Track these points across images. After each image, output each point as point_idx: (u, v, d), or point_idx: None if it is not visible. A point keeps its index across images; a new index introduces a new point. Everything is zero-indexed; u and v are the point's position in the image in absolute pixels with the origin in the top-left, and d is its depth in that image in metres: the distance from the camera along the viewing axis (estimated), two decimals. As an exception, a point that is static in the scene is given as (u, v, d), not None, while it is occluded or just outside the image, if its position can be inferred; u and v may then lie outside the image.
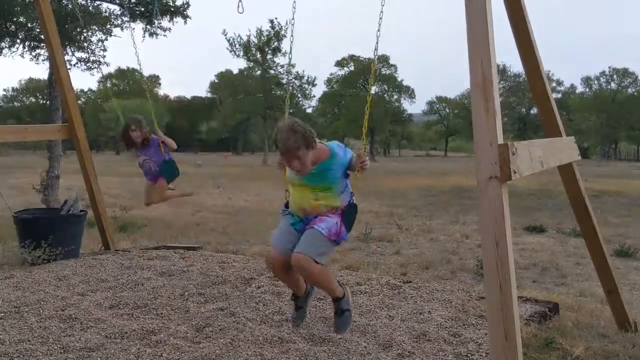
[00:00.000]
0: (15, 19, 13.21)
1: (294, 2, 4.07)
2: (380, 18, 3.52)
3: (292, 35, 4.28)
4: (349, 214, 3.62)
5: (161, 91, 78.46)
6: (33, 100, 70.15)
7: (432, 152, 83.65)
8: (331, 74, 62.76)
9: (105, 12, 14.28)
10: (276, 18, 45.79)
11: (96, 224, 7.12)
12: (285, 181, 3.75)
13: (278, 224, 3.77)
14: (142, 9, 13.44)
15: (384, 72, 61.72)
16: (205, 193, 19.23)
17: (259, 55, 47.32)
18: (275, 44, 46.77)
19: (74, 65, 14.54)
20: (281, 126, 3.43)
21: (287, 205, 3.80)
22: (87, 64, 14.83)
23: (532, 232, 11.92)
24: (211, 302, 4.65)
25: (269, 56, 47.46)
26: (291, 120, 3.47)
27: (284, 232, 3.66)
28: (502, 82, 63.43)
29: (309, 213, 3.62)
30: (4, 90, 72.43)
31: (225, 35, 46.48)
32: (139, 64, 6.30)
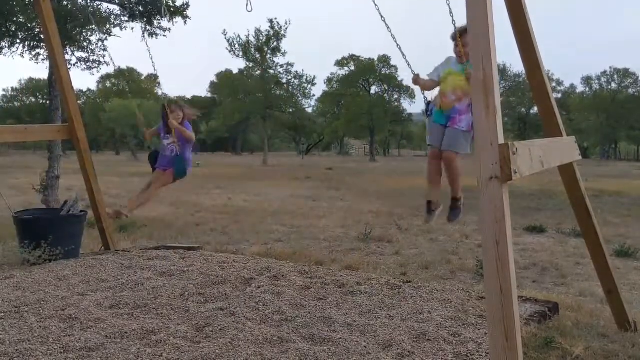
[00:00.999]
0: (15, 19, 13.21)
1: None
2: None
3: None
4: None
5: (161, 91, 78.50)
6: (33, 100, 70.14)
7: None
8: (332, 74, 62.71)
9: (105, 12, 14.28)
10: (275, 18, 45.76)
11: (96, 224, 7.12)
12: (427, 87, 4.40)
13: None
14: (142, 9, 13.44)
15: (384, 72, 61.68)
16: (205, 194, 19.22)
17: (258, 55, 47.29)
18: (275, 44, 46.73)
19: (74, 65, 14.55)
20: None
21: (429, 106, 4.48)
22: (87, 64, 14.83)
23: (533, 232, 11.91)
24: (211, 302, 4.65)
25: (268, 56, 47.43)
26: None
27: (436, 132, 4.40)
28: (502, 82, 63.40)
29: (453, 100, 4.26)
30: (4, 90, 72.43)
31: (225, 35, 46.49)
32: (152, 64, 6.10)
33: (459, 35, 4.12)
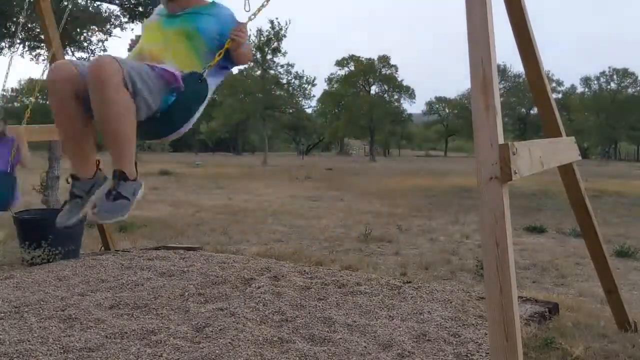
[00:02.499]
0: (15, 19, 13.22)
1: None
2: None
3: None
4: (193, 89, 2.51)
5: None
6: (33, 100, 70.13)
7: (432, 152, 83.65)
8: (331, 74, 62.81)
9: (105, 12, 14.29)
10: (276, 18, 45.83)
11: (96, 225, 7.12)
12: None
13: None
14: (141, 10, 13.44)
15: (384, 72, 61.73)
16: (205, 194, 19.22)
17: (258, 55, 47.35)
18: (275, 44, 46.80)
19: (74, 65, 14.54)
20: None
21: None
22: (87, 64, 14.82)
23: (532, 233, 11.91)
24: (211, 302, 4.65)
25: (268, 56, 47.48)
26: None
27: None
28: (502, 82, 63.46)
29: (145, 60, 2.52)
30: (4, 90, 72.34)
31: (226, 35, 46.50)
32: None
33: None
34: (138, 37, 2.77)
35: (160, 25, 2.66)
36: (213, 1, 2.80)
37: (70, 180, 2.54)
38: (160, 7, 2.80)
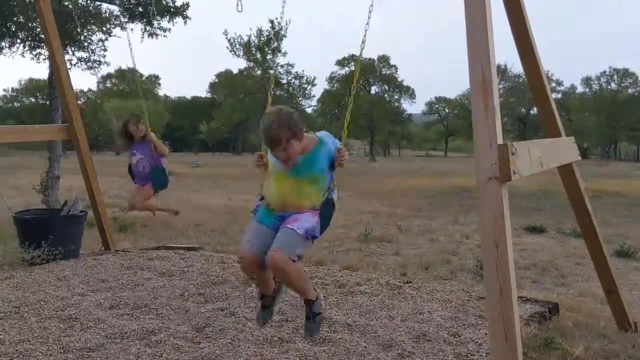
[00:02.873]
0: (15, 19, 13.21)
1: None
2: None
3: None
4: (325, 212, 3.29)
5: (161, 91, 78.53)
6: (33, 100, 70.09)
7: (432, 152, 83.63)
8: (332, 73, 62.80)
9: (105, 12, 14.29)
10: (276, 18, 45.84)
11: (96, 225, 7.12)
12: (261, 177, 3.46)
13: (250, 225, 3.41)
14: (141, 10, 13.44)
15: (385, 72, 61.75)
16: (205, 194, 19.22)
17: (259, 55, 47.38)
18: (275, 44, 46.83)
19: (74, 65, 14.55)
20: (267, 114, 3.22)
21: (257, 208, 3.46)
22: (88, 64, 14.83)
23: (532, 233, 11.92)
24: (211, 302, 4.65)
25: (268, 56, 47.51)
26: (278, 108, 3.25)
27: (256, 232, 3.31)
28: (502, 82, 63.44)
29: (287, 209, 3.26)
30: (4, 90, 72.39)
31: (226, 35, 46.59)
32: (134, 65, 6.22)
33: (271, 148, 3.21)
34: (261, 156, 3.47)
35: (286, 174, 3.28)
36: (319, 139, 3.36)
37: (260, 297, 3.56)
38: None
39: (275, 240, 3.17)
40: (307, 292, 3.36)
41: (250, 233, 3.34)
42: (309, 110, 60.03)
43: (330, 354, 3.58)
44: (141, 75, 70.72)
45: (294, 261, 3.16)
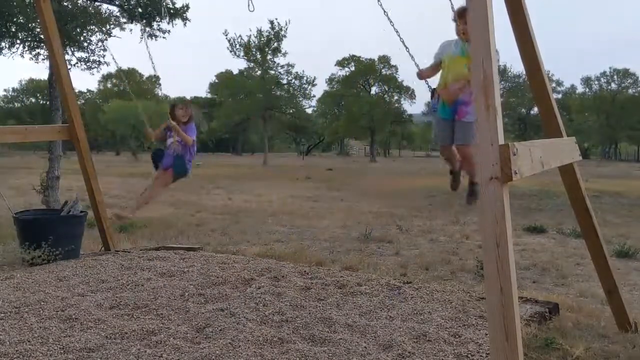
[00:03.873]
0: (15, 20, 13.21)
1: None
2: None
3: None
4: None
5: (161, 91, 78.57)
6: (33, 100, 70.10)
7: (433, 152, 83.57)
8: (332, 74, 62.71)
9: (105, 12, 14.28)
10: (276, 18, 45.87)
11: (96, 225, 7.12)
12: (425, 75, 4.30)
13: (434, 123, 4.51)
14: (141, 10, 13.44)
15: (385, 72, 61.69)
16: (205, 194, 19.22)
17: (259, 56, 47.35)
18: (275, 44, 46.80)
19: (74, 65, 14.55)
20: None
21: (435, 106, 4.38)
22: (87, 64, 14.83)
23: (533, 233, 11.90)
24: (211, 303, 4.65)
25: (269, 57, 47.48)
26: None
27: (443, 129, 4.34)
28: (502, 82, 63.39)
29: (456, 89, 4.12)
30: (4, 90, 72.41)
31: (226, 35, 46.59)
32: (152, 65, 6.27)
33: (459, 15, 4.05)
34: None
35: (460, 55, 4.16)
36: None
37: (450, 172, 4.80)
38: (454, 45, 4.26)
39: (457, 135, 4.23)
40: (475, 175, 4.30)
41: (438, 128, 4.42)
42: (309, 110, 60.05)
43: (330, 354, 3.58)
44: (141, 75, 70.85)
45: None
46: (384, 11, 4.15)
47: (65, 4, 13.07)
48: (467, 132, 4.15)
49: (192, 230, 11.07)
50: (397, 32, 4.21)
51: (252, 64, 48.86)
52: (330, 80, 62.49)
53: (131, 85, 67.09)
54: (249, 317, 4.22)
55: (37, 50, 13.84)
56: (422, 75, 4.34)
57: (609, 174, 31.93)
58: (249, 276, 5.45)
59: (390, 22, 4.18)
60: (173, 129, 5.77)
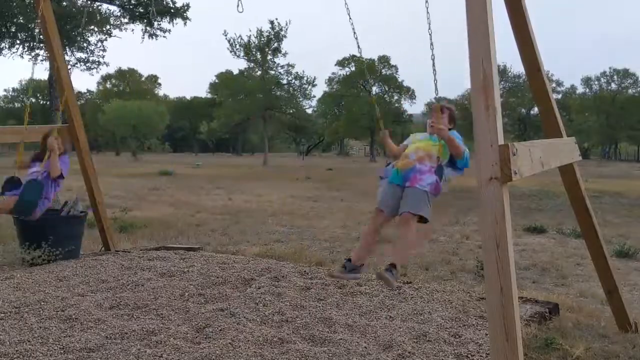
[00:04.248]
0: (15, 20, 13.22)
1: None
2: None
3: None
4: (439, 174, 3.98)
5: (161, 91, 78.54)
6: (33, 100, 70.16)
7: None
8: (333, 74, 62.66)
9: (105, 13, 14.29)
10: (276, 19, 45.87)
11: (96, 225, 7.12)
12: (393, 151, 4.34)
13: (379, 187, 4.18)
14: (142, 10, 13.45)
15: (385, 72, 61.67)
16: (205, 194, 19.22)
17: (259, 56, 47.37)
18: (275, 44, 46.81)
19: (74, 65, 14.56)
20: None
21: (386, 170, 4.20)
22: (87, 64, 14.84)
23: (533, 233, 11.90)
24: (211, 303, 4.65)
25: (269, 57, 47.48)
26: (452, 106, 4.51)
27: (389, 193, 4.02)
28: (502, 82, 63.38)
29: (414, 159, 4.01)
30: (4, 90, 72.43)
31: (226, 36, 46.62)
32: None
33: (431, 110, 4.22)
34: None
35: (427, 138, 4.19)
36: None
37: (345, 261, 4.04)
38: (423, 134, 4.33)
39: (404, 200, 3.88)
40: (403, 258, 4.04)
41: (384, 192, 4.06)
42: (309, 110, 60.05)
43: (330, 354, 3.58)
44: (140, 75, 70.83)
45: (420, 218, 3.84)
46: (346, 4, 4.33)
47: (64, 4, 13.07)
48: (417, 200, 3.84)
49: (192, 231, 11.06)
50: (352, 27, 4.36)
51: (252, 64, 48.85)
52: (329, 81, 62.50)
53: (130, 85, 67.12)
54: (249, 317, 4.22)
55: (37, 51, 13.86)
56: (386, 143, 4.38)
57: (609, 174, 31.93)
58: (249, 276, 5.45)
59: (350, 18, 4.33)
60: (50, 151, 5.04)
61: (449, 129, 4.11)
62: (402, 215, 3.84)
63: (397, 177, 4.01)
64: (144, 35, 13.82)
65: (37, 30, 12.48)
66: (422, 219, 3.92)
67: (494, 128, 2.40)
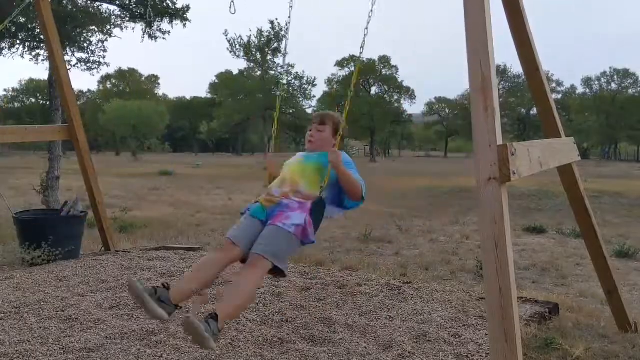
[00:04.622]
0: (15, 20, 13.22)
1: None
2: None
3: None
4: (316, 211, 3.32)
5: (160, 91, 78.54)
6: (33, 100, 70.15)
7: (432, 152, 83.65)
8: (332, 74, 62.73)
9: (105, 13, 14.28)
10: (277, 19, 45.91)
11: (96, 225, 7.12)
12: (269, 175, 3.86)
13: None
14: (142, 11, 13.44)
15: (385, 72, 61.74)
16: (205, 194, 19.22)
17: (259, 56, 47.42)
18: (275, 44, 46.87)
19: (74, 65, 14.55)
20: (332, 112, 3.88)
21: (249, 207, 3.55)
22: (87, 64, 14.83)
23: (532, 233, 11.91)
24: (211, 303, 4.65)
25: (269, 57, 47.53)
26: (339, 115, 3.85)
27: (246, 226, 3.31)
28: (501, 82, 63.42)
29: (284, 186, 3.41)
30: (5, 90, 72.49)
31: (227, 36, 46.69)
32: None
33: (314, 121, 3.72)
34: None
35: (301, 161, 3.61)
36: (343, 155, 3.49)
37: (162, 286, 3.06)
38: (301, 153, 3.75)
39: (261, 239, 3.15)
40: (230, 314, 3.06)
41: (240, 224, 3.38)
42: (309, 110, 60.12)
43: (330, 355, 3.58)
44: (141, 75, 70.83)
45: (275, 267, 3.10)
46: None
47: (64, 2, 13.06)
48: (277, 241, 3.11)
49: (192, 231, 11.07)
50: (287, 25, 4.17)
51: (252, 64, 48.89)
52: (329, 81, 62.57)
53: (130, 85, 67.08)
54: (249, 317, 4.23)
55: (37, 51, 13.85)
56: (269, 164, 3.91)
57: (609, 174, 31.93)
58: (248, 276, 5.44)
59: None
60: None
61: (333, 145, 3.59)
62: (253, 256, 3.08)
63: (260, 211, 3.38)
64: (143, 35, 13.82)
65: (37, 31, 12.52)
66: (278, 271, 3.15)
67: (492, 128, 2.40)
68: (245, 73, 51.46)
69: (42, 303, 4.59)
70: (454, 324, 4.21)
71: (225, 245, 3.23)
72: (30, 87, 70.08)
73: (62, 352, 3.60)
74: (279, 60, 48.32)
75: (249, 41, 46.63)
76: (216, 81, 65.28)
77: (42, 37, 11.37)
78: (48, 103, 14.68)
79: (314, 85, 51.95)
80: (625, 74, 66.81)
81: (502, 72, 63.10)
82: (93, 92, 71.45)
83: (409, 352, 3.63)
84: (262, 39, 46.48)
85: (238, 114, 51.78)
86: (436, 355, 3.62)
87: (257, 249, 3.10)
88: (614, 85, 67.72)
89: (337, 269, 6.34)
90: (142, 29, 13.83)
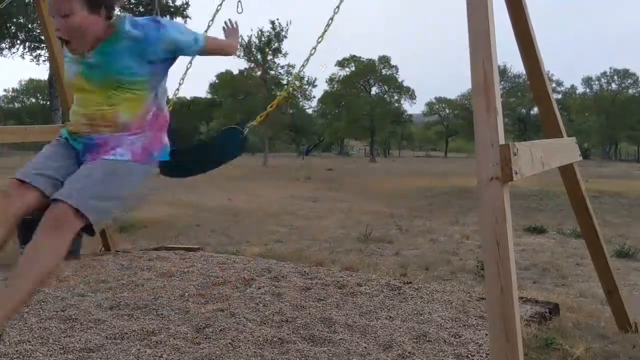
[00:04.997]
0: (15, 20, 13.22)
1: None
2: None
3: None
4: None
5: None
6: (33, 100, 70.16)
7: (433, 152, 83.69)
8: (333, 74, 62.74)
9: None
10: (277, 19, 45.95)
11: (97, 225, 7.11)
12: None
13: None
14: (142, 10, 13.45)
15: (385, 72, 61.74)
16: (205, 194, 19.22)
17: (259, 56, 47.43)
18: (276, 44, 46.88)
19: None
20: None
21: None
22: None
23: (533, 233, 11.91)
24: (211, 303, 4.65)
25: (269, 57, 47.55)
26: None
27: (50, 156, 2.39)
28: (502, 82, 63.45)
29: (98, 128, 2.34)
30: (5, 90, 72.52)
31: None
32: None
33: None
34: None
35: (83, 82, 2.33)
36: (115, 24, 2.28)
37: None
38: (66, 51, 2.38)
39: (71, 181, 2.26)
40: (16, 299, 2.23)
41: (42, 154, 2.41)
42: (309, 111, 60.16)
43: (330, 355, 3.58)
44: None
45: (85, 220, 2.17)
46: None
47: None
48: (95, 184, 2.25)
49: (192, 231, 11.07)
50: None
51: (252, 64, 48.90)
52: (330, 80, 62.55)
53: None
54: (249, 318, 4.22)
55: (38, 51, 13.86)
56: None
57: (609, 174, 31.93)
58: (249, 276, 5.44)
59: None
60: None
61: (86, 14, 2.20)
62: (53, 205, 2.21)
63: (73, 139, 2.42)
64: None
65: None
66: (88, 228, 2.22)
67: (494, 128, 2.40)
68: (245, 73, 51.48)
69: (42, 303, 4.59)
70: (454, 324, 4.21)
71: (12, 186, 2.49)
72: (30, 87, 70.11)
73: (62, 352, 3.59)
74: (279, 60, 48.31)
75: (249, 41, 46.65)
76: (216, 81, 65.30)
77: (42, 37, 11.37)
78: (48, 103, 14.66)
79: (314, 86, 51.98)
80: (625, 74, 66.85)
81: (502, 72, 63.13)
82: (93, 92, 71.44)
83: (409, 352, 3.63)
84: (263, 39, 46.48)
85: (238, 114, 51.81)
86: (436, 355, 3.62)
87: (60, 193, 2.29)
88: (614, 85, 67.78)
89: (337, 269, 6.34)
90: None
